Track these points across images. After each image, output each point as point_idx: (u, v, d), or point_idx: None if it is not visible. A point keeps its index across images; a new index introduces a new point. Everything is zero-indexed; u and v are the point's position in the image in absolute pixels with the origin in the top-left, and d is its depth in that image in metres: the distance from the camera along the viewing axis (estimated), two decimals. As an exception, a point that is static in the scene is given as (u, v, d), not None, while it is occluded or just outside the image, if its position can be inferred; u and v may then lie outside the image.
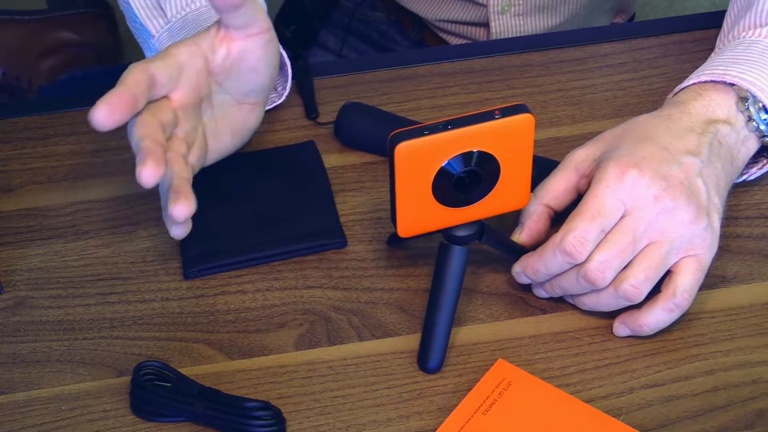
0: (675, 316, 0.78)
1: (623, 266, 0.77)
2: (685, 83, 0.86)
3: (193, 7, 0.91)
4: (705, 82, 0.84)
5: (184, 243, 0.86)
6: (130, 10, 0.94)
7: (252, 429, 0.73)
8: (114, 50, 1.81)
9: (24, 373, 0.79)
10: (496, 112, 0.73)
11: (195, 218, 0.87)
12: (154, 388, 0.75)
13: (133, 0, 0.93)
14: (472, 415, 0.75)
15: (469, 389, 0.76)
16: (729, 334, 0.80)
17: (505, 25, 1.18)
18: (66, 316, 0.83)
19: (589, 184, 0.79)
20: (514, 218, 0.84)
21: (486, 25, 1.19)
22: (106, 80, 1.40)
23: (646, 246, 0.77)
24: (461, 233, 0.78)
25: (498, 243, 0.82)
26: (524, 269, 0.80)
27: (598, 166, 0.80)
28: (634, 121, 0.83)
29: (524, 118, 0.73)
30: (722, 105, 0.83)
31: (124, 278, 0.85)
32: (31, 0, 1.81)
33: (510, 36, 1.18)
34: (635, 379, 0.77)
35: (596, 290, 0.78)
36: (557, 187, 0.82)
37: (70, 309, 0.83)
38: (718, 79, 0.84)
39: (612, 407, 0.76)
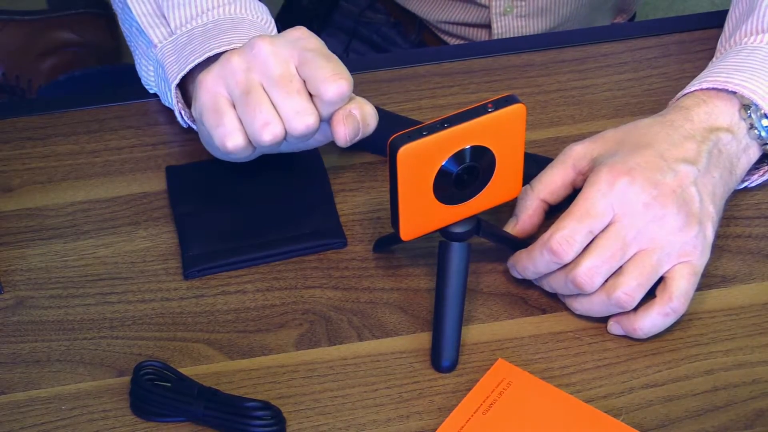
0: (671, 320, 0.78)
1: (611, 272, 0.77)
2: (688, 89, 0.86)
3: (199, 21, 0.89)
4: (708, 89, 0.84)
5: (184, 243, 0.86)
6: (128, 13, 0.92)
7: (252, 429, 0.73)
8: (113, 51, 1.81)
9: (24, 373, 0.79)
10: (489, 105, 0.73)
11: (195, 218, 0.88)
12: (154, 388, 0.75)
13: (134, 5, 0.91)
14: (472, 415, 0.75)
15: (469, 389, 0.76)
16: (729, 334, 0.80)
17: (506, 26, 1.18)
18: (66, 316, 0.83)
19: (584, 182, 0.79)
20: (509, 210, 0.85)
21: (488, 26, 1.19)
22: (106, 80, 1.41)
23: (636, 253, 0.77)
24: (460, 230, 0.78)
25: (495, 236, 0.82)
26: (515, 265, 0.81)
27: (593, 168, 0.80)
28: (636, 124, 0.83)
29: (517, 108, 0.74)
30: (725, 113, 0.83)
31: (124, 278, 0.85)
32: (31, 0, 1.81)
33: (512, 36, 1.18)
34: (635, 379, 0.77)
35: (587, 296, 0.78)
36: (554, 181, 0.83)
37: (70, 309, 0.83)
38: (721, 87, 0.84)
39: (612, 407, 0.76)
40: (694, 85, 0.86)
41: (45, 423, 0.76)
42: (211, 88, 0.80)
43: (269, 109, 0.78)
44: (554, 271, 0.79)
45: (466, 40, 1.22)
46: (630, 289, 0.77)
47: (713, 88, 0.84)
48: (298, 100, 0.78)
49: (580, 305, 0.79)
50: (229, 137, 0.79)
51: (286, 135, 0.79)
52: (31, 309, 0.83)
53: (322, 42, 0.81)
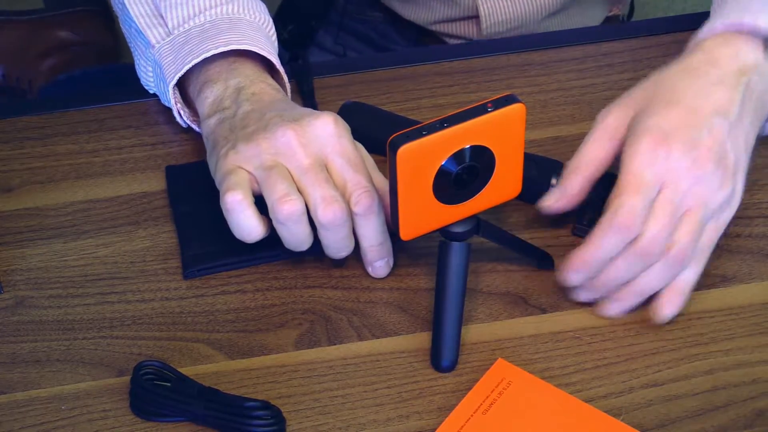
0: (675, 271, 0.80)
1: (669, 236, 0.79)
2: (705, 33, 0.86)
3: (197, 21, 0.89)
4: (726, 30, 0.85)
5: (183, 243, 0.86)
6: (127, 14, 0.92)
7: (252, 429, 0.73)
8: (113, 48, 1.81)
9: (24, 373, 0.79)
10: (489, 105, 0.73)
11: (195, 218, 0.88)
12: (154, 388, 0.75)
13: (131, 5, 0.91)
14: (472, 415, 0.75)
15: (469, 389, 0.76)
16: (729, 333, 0.80)
17: (494, 8, 1.16)
18: (66, 315, 0.83)
19: (623, 146, 0.81)
20: (509, 210, 0.86)
21: (476, 16, 1.18)
22: (106, 80, 1.41)
23: (684, 213, 0.79)
24: (460, 229, 0.78)
25: (495, 236, 0.82)
26: (575, 265, 0.80)
27: (630, 135, 0.81)
28: (662, 77, 0.84)
29: (516, 107, 0.74)
30: (749, 52, 0.84)
31: (123, 278, 0.85)
32: (29, 0, 1.81)
33: (501, 20, 1.17)
34: (635, 378, 0.77)
35: (648, 268, 0.79)
36: (596, 156, 0.83)
37: (70, 309, 0.83)
38: (737, 23, 0.84)
39: (612, 407, 0.76)
40: (711, 29, 0.86)
41: (45, 423, 0.76)
42: (233, 163, 0.80)
43: (291, 183, 0.79)
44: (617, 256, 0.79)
45: (458, 37, 1.21)
46: (684, 245, 0.78)
47: (730, 29, 0.84)
48: (326, 187, 0.79)
49: (640, 282, 0.80)
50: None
51: (309, 217, 0.79)
52: (31, 309, 0.83)
53: (352, 141, 0.81)
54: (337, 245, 0.81)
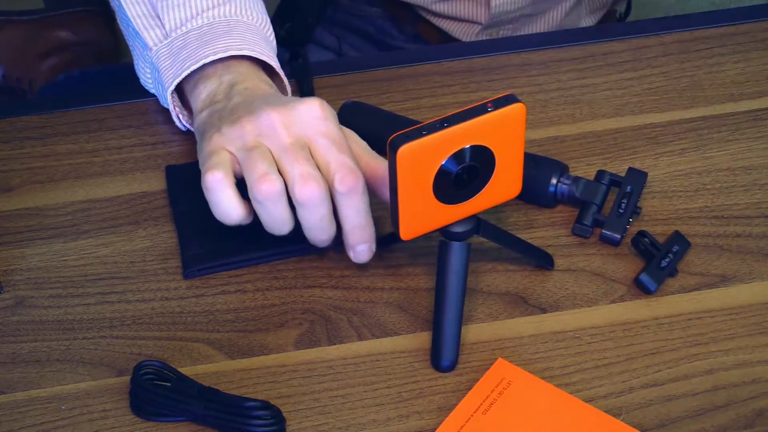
0: None
1: None
2: None
3: (194, 24, 0.89)
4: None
5: (183, 243, 0.86)
6: (123, 13, 0.92)
7: (252, 428, 0.73)
8: (112, 49, 1.81)
9: (24, 373, 0.79)
10: (489, 105, 0.73)
11: (194, 218, 0.87)
12: (153, 388, 0.75)
13: (128, 6, 0.90)
14: (472, 415, 0.75)
15: (469, 389, 0.76)
16: (729, 333, 0.80)
17: None
18: (66, 315, 0.83)
19: None
20: (509, 210, 0.86)
21: None
22: (105, 80, 1.40)
23: None
24: (460, 229, 0.78)
25: (495, 236, 0.82)
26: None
27: None
28: None
29: (516, 107, 0.74)
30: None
31: (123, 278, 0.85)
32: (28, 0, 1.81)
33: (512, 6, 1.15)
34: (635, 378, 0.77)
35: None
36: None
37: (70, 309, 0.83)
38: None
39: (612, 407, 0.76)
40: None
41: (45, 423, 0.76)
42: (217, 144, 0.80)
43: (271, 163, 0.78)
44: None
45: (462, 20, 1.20)
46: None
47: None
48: (305, 164, 0.78)
49: None
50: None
51: (288, 197, 0.79)
52: (31, 309, 0.83)
53: (337, 124, 0.81)
54: (316, 226, 0.80)
